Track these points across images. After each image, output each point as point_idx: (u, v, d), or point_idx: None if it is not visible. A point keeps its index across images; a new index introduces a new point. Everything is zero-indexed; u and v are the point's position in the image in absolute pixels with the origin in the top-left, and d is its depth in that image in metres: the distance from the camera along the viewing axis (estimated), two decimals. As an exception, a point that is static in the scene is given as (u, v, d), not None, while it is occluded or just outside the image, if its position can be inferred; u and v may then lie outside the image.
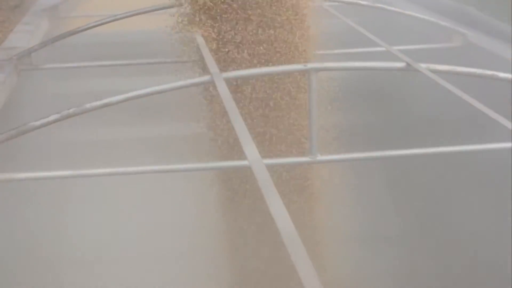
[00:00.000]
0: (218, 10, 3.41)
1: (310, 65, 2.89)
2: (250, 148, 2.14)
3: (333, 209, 3.72)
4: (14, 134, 2.80)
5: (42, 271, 3.78)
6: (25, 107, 3.98)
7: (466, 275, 3.86)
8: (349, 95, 3.57)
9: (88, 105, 2.86)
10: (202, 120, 3.54)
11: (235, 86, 3.38)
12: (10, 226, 3.60)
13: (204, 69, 3.22)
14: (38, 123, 2.81)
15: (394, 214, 4.32)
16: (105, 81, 4.41)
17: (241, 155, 2.14)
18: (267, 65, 3.37)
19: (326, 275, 3.58)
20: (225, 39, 3.40)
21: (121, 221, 3.90)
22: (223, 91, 2.65)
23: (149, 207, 4.02)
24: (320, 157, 2.83)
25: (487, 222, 3.65)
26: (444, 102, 3.29)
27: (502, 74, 3.01)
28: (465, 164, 3.61)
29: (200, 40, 3.34)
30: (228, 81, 2.84)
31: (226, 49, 3.41)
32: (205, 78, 2.92)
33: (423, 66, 2.97)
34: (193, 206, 3.64)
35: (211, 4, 3.40)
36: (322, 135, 3.27)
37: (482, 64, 3.46)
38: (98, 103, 2.85)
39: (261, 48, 3.41)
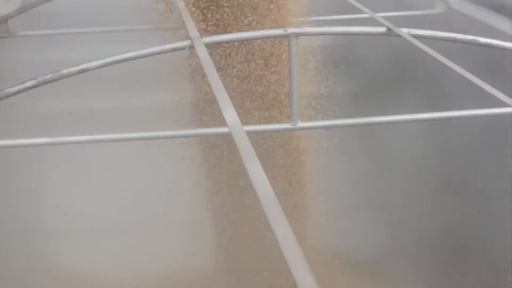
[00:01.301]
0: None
1: (290, 30, 2.85)
2: (229, 113, 2.11)
3: (315, 176, 3.72)
4: (-12, 101, 2.75)
5: (17, 243, 3.76)
6: (1, 74, 3.92)
7: (446, 245, 3.90)
8: (330, 62, 3.55)
9: (65, 71, 2.81)
10: (183, 87, 3.51)
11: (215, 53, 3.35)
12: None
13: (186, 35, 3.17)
14: (14, 89, 2.76)
15: (375, 182, 4.34)
16: (85, 49, 4.33)
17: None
18: (248, 30, 3.33)
19: (304, 240, 3.61)
20: (205, 3, 3.36)
21: (99, 190, 3.87)
22: (203, 55, 2.61)
23: (128, 175, 4.00)
24: (301, 124, 2.80)
25: (466, 189, 3.68)
26: (425, 68, 3.28)
27: (482, 39, 3.00)
28: (449, 130, 3.61)
29: (181, 4, 3.29)
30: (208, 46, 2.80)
31: (207, 13, 3.37)
32: (185, 42, 2.87)
33: (404, 31, 2.94)
34: (174, 174, 3.62)
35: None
36: (304, 102, 3.25)
37: (465, 30, 3.45)
38: (76, 68, 2.80)
39: (242, 13, 3.37)
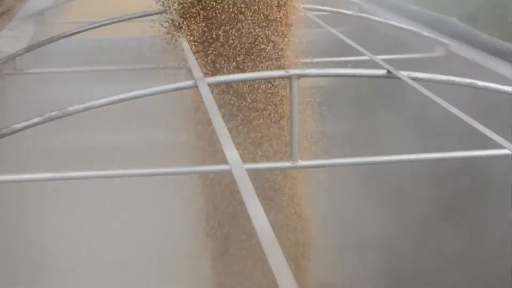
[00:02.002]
0: (203, 16, 3.43)
1: (292, 71, 2.91)
2: (231, 152, 2.16)
3: (313, 213, 3.74)
4: (-5, 137, 2.80)
5: (18, 276, 3.76)
6: (7, 110, 3.98)
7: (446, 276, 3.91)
8: (332, 102, 3.61)
9: (71, 108, 2.86)
10: (186, 125, 3.56)
11: (219, 90, 3.41)
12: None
13: (189, 74, 3.24)
14: (20, 125, 2.81)
15: (372, 220, 4.36)
16: (89, 87, 4.41)
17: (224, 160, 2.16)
18: (251, 71, 3.40)
19: (302, 277, 3.61)
20: (209, 44, 3.43)
21: (102, 225, 3.89)
22: (206, 95, 2.67)
23: (130, 211, 4.03)
24: (301, 162, 2.85)
25: (460, 225, 3.70)
26: (424, 110, 3.33)
27: (480, 83, 3.05)
28: (445, 170, 3.65)
29: (185, 45, 3.37)
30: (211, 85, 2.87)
31: (210, 53, 3.44)
32: (189, 82, 2.94)
33: (403, 73, 3.00)
34: (176, 210, 3.65)
35: (196, 10, 3.42)
36: (304, 141, 3.29)
37: (464, 73, 3.51)
38: (81, 106, 2.85)
39: (245, 54, 3.44)
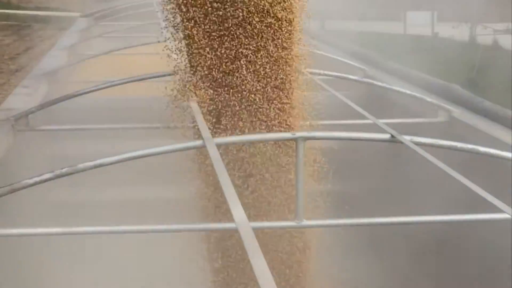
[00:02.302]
0: (213, 79, 3.53)
1: (298, 134, 2.99)
2: (237, 211, 2.23)
3: (318, 272, 3.75)
4: (6, 191, 2.86)
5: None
6: (19, 166, 4.06)
7: None
8: (336, 164, 3.67)
9: (81, 165, 2.93)
10: (194, 183, 3.62)
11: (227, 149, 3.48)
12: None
13: (198, 134, 3.32)
14: (31, 181, 2.87)
15: (376, 280, 4.35)
16: (100, 144, 4.49)
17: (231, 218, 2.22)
18: (258, 132, 3.47)
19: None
20: (218, 106, 3.52)
21: (108, 280, 3.90)
22: (214, 155, 2.74)
23: (136, 267, 4.04)
24: (306, 222, 2.89)
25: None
26: (427, 173, 3.38)
27: (482, 148, 3.11)
28: (447, 233, 3.68)
29: (194, 105, 3.46)
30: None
31: (219, 114, 3.52)
32: (197, 142, 3.02)
33: (407, 138, 3.07)
34: (182, 266, 3.67)
35: (206, 72, 3.52)
36: (309, 201, 3.34)
37: (466, 139, 3.59)
38: (91, 163, 2.92)
39: (253, 116, 3.52)
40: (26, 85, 5.81)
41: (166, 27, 3.54)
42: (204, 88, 3.51)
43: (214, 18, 3.38)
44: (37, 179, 2.88)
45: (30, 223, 2.89)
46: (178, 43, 3.54)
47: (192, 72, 3.52)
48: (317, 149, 3.61)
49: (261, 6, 3.39)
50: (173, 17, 3.49)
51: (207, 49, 3.44)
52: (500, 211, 2.49)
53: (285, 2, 3.45)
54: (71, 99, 4.41)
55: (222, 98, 3.50)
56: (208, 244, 3.62)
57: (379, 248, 4.42)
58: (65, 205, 4.31)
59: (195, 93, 3.52)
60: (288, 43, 3.50)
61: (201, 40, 3.43)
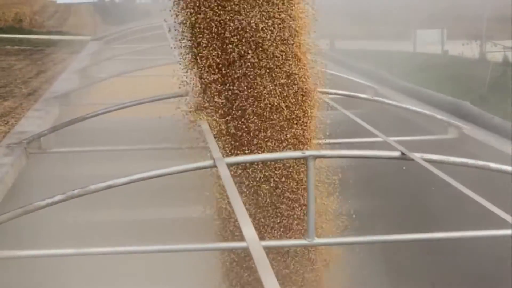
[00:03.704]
0: (223, 100, 3.55)
1: (308, 152, 3.00)
2: (248, 230, 2.24)
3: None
4: (19, 213, 2.88)
5: None
6: (32, 188, 4.08)
7: None
8: (348, 182, 3.67)
9: (92, 187, 2.95)
10: (205, 203, 3.63)
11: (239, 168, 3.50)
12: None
13: (209, 154, 3.33)
14: (43, 202, 2.90)
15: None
16: (111, 165, 4.52)
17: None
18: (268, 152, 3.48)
19: None
20: (229, 127, 3.54)
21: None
22: (225, 174, 2.76)
23: (151, 286, 4.04)
24: (317, 240, 2.89)
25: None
26: (438, 190, 3.38)
27: (493, 165, 3.10)
28: (459, 250, 3.65)
29: (205, 126, 3.48)
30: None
31: (231, 137, 3.54)
32: (208, 162, 3.03)
33: (417, 155, 3.07)
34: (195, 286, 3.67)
35: (215, 93, 3.54)
36: (321, 218, 3.34)
37: (477, 155, 3.57)
38: (103, 184, 2.94)
39: (262, 137, 3.53)
40: (38, 108, 5.86)
41: (179, 48, 3.57)
42: (216, 109, 3.53)
43: (225, 41, 3.41)
44: (49, 201, 2.91)
45: (43, 245, 2.89)
46: (189, 65, 3.57)
47: (204, 92, 3.55)
48: (332, 167, 3.61)
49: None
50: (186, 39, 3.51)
51: (217, 69, 3.47)
52: (510, 226, 2.49)
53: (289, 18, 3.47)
54: (83, 121, 4.45)
55: (234, 118, 3.52)
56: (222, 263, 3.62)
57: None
58: (78, 226, 4.33)
59: (206, 113, 3.54)
60: (299, 64, 3.52)
61: (211, 61, 3.46)
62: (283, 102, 3.51)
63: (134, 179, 2.98)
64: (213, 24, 3.40)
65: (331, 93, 4.67)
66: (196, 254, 3.08)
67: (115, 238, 3.17)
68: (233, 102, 3.52)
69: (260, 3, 3.39)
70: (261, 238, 2.18)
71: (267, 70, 3.45)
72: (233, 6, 3.38)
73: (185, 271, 3.64)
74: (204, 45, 3.46)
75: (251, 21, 3.38)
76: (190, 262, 3.28)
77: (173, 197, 4.11)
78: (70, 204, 2.96)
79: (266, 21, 3.40)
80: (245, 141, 3.52)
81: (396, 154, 3.15)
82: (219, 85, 3.52)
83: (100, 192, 2.95)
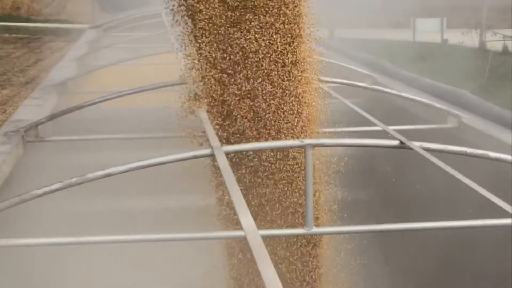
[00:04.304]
0: (222, 87, 3.53)
1: (306, 141, 2.98)
2: (246, 219, 2.23)
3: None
4: (16, 201, 2.87)
5: None
6: (29, 176, 4.07)
7: None
8: (347, 170, 3.66)
9: (90, 175, 2.94)
10: (203, 191, 3.62)
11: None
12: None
13: (206, 142, 3.32)
14: (40, 191, 2.89)
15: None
16: (109, 154, 4.50)
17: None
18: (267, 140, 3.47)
19: None
20: (227, 115, 3.52)
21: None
22: (223, 163, 2.75)
23: (149, 275, 4.04)
24: (315, 229, 2.88)
25: None
26: (437, 179, 3.37)
27: (492, 154, 3.10)
28: (458, 238, 3.65)
29: (203, 115, 3.46)
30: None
31: (228, 124, 3.52)
32: (206, 151, 3.02)
33: (416, 144, 3.06)
34: (193, 274, 3.66)
35: (216, 82, 3.52)
36: (320, 207, 3.33)
37: (476, 144, 3.56)
38: (101, 173, 2.93)
39: (264, 124, 3.52)
40: (36, 96, 5.84)
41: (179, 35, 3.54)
42: (215, 97, 3.52)
43: (227, 26, 3.39)
44: (47, 189, 2.90)
45: (41, 233, 2.88)
46: (187, 53, 3.55)
47: (203, 81, 3.53)
48: (328, 156, 3.60)
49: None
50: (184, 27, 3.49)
51: (217, 57, 3.45)
52: (510, 215, 2.48)
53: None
54: (80, 109, 4.43)
55: (233, 106, 3.50)
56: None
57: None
58: (76, 215, 4.31)
59: (205, 102, 3.52)
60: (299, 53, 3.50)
61: (212, 50, 3.44)
62: (284, 90, 3.50)
63: (133, 167, 2.97)
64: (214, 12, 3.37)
65: (330, 82, 4.65)
66: (197, 242, 3.07)
67: (113, 226, 3.16)
68: (234, 90, 3.50)
69: None
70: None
71: (268, 56, 3.43)
72: None
73: (184, 260, 3.63)
74: (203, 32, 3.43)
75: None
76: (190, 250, 3.28)
77: (173, 185, 4.09)
78: (68, 192, 2.95)
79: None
80: (244, 130, 3.50)
81: (395, 143, 3.14)
82: (218, 72, 3.50)
83: (98, 181, 2.94)
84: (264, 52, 3.43)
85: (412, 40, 17.82)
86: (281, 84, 3.49)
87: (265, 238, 2.11)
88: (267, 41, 3.43)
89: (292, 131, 3.52)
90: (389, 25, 19.16)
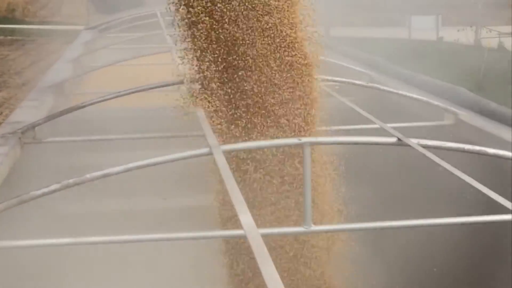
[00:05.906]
0: (218, 87, 3.53)
1: (304, 139, 2.99)
2: (245, 217, 2.22)
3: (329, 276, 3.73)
4: (14, 203, 2.87)
5: None
6: (27, 178, 4.06)
7: None
8: (346, 168, 3.66)
9: (88, 176, 2.93)
10: (202, 191, 3.61)
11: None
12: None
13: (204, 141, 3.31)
14: (38, 192, 2.88)
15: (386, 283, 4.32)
16: (107, 155, 4.50)
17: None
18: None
19: None
20: (224, 114, 3.51)
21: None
22: (221, 162, 2.75)
23: (149, 275, 4.03)
24: (314, 227, 2.89)
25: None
26: (436, 176, 3.37)
27: (490, 150, 3.10)
28: (456, 235, 3.65)
29: (201, 114, 3.46)
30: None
31: (227, 124, 3.52)
32: (204, 150, 3.01)
33: (414, 141, 3.06)
34: (193, 274, 3.66)
35: (210, 80, 3.52)
36: (319, 205, 3.32)
37: (473, 141, 3.57)
38: (99, 173, 2.93)
39: (263, 121, 3.51)
40: (32, 98, 5.83)
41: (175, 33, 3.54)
42: (212, 96, 3.51)
43: (226, 26, 3.39)
44: (45, 190, 2.89)
45: (39, 234, 2.87)
46: (185, 52, 3.54)
47: (199, 80, 3.53)
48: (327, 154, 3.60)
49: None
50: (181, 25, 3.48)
51: (216, 56, 3.44)
52: (509, 211, 2.48)
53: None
54: (77, 110, 4.42)
55: (230, 106, 3.50)
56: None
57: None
58: (75, 216, 4.31)
59: (202, 101, 3.52)
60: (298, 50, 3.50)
61: (209, 47, 3.44)
62: (282, 88, 3.49)
63: (130, 167, 2.96)
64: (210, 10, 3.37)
65: (326, 80, 4.65)
66: (196, 242, 3.06)
67: (111, 227, 3.15)
68: (229, 89, 3.49)
69: None
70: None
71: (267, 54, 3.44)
72: None
73: (181, 259, 3.63)
74: (200, 31, 3.43)
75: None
76: (189, 249, 3.27)
77: (173, 185, 4.09)
78: (66, 193, 2.94)
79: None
80: (243, 128, 3.50)
81: (393, 140, 3.15)
82: (215, 72, 3.49)
83: (95, 181, 2.93)
84: (264, 51, 3.43)
85: (407, 37, 17.83)
86: (281, 84, 3.49)
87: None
88: (267, 41, 3.43)
89: (294, 129, 3.52)
90: (384, 22, 19.19)
